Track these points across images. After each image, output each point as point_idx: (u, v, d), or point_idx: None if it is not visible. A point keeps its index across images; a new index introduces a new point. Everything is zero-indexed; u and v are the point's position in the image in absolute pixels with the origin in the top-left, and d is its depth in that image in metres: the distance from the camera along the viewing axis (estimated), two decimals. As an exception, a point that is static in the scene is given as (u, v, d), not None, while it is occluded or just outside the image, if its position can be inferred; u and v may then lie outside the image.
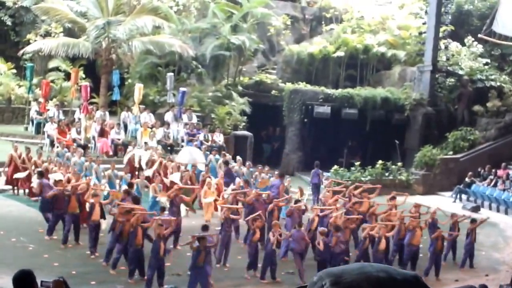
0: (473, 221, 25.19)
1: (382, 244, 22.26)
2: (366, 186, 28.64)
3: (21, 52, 39.48)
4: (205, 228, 20.28)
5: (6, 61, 42.47)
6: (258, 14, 44.12)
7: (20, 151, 29.54)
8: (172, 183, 27.62)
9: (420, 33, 45.62)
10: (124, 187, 25.90)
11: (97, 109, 37.56)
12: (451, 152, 39.84)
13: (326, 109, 40.46)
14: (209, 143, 35.82)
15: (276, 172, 30.71)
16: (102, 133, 35.08)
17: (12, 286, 7.46)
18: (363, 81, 45.50)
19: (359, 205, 26.02)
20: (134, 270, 19.70)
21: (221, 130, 37.85)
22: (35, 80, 38.85)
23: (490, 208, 34.75)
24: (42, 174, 25.47)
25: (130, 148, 33.17)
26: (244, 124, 40.03)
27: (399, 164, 38.30)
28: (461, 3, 47.79)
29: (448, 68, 43.86)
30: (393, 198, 26.99)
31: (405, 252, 23.51)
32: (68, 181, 25.14)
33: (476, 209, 33.98)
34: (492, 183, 36.25)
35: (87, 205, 23.33)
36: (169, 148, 35.18)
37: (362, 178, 35.66)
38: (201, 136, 36.42)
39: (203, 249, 18.95)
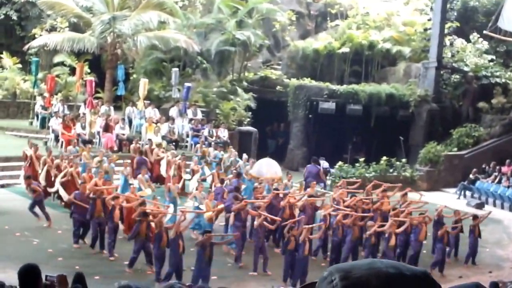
0: (475, 217, 25.19)
1: (393, 241, 22.27)
2: (385, 185, 28.26)
3: (26, 46, 39.50)
4: (205, 232, 20.13)
5: (11, 56, 42.49)
6: (263, 9, 44.15)
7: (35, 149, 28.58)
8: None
9: (425, 30, 45.60)
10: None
11: (102, 104, 37.55)
12: (455, 149, 39.81)
13: (330, 105, 40.50)
14: (214, 139, 35.86)
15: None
16: (107, 128, 35.06)
17: (18, 280, 7.49)
18: (368, 77, 45.50)
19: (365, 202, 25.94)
20: (171, 275, 19.33)
21: (226, 125, 37.87)
22: (40, 75, 38.90)
23: (495, 205, 34.72)
24: None
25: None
26: (248, 119, 40.06)
27: (404, 160, 38.29)
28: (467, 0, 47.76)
29: (453, 64, 43.84)
30: (405, 194, 26.93)
31: (413, 248, 23.57)
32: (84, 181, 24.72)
33: (480, 206, 33.96)
34: (497, 179, 36.23)
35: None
36: (173, 143, 35.18)
37: (367, 174, 35.67)
38: (205, 132, 36.46)
39: (208, 245, 19.00)
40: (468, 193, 36.56)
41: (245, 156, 32.85)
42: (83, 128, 34.35)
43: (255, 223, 22.15)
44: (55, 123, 34.51)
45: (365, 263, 1.94)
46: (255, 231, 22.09)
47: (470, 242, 24.55)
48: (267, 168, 29.28)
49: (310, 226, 21.90)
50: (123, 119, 36.13)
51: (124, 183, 26.76)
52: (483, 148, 39.84)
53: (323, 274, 1.94)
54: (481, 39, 44.59)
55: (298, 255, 20.62)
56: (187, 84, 38.11)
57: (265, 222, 21.92)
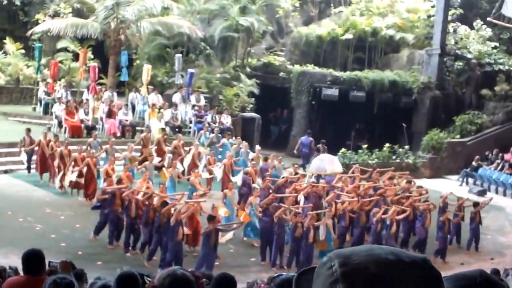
0: (476, 204, 25.26)
1: (394, 228, 22.33)
2: (391, 173, 28.19)
3: (29, 32, 39.43)
4: (211, 218, 20.02)
5: (14, 41, 42.46)
6: (267, -5, 44.12)
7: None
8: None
9: (429, 16, 45.42)
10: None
11: (105, 90, 37.56)
12: (458, 136, 39.80)
13: (334, 92, 40.41)
14: (217, 125, 35.80)
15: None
16: (110, 114, 35.09)
17: (22, 265, 7.53)
18: (371, 64, 45.38)
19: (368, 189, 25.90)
20: (170, 262, 19.05)
21: (229, 111, 37.82)
22: (43, 61, 38.87)
23: (497, 192, 34.72)
24: None
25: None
26: (252, 106, 40.03)
27: (406, 147, 38.21)
28: (471, -14, 47.61)
29: (457, 51, 43.70)
30: (409, 182, 26.94)
31: (417, 236, 23.67)
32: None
33: (482, 193, 33.95)
34: (499, 167, 36.24)
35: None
36: (177, 129, 35.17)
37: (370, 161, 35.65)
38: (208, 118, 36.41)
39: (214, 231, 19.03)
40: (470, 180, 36.58)
41: (258, 147, 32.25)
42: (86, 114, 34.38)
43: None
44: (58, 109, 34.52)
45: (364, 249, 1.96)
46: (276, 224, 21.27)
47: (472, 229, 24.63)
48: (329, 164, 28.80)
49: (315, 212, 21.80)
50: (126, 105, 36.13)
51: (171, 184, 26.10)
52: (486, 135, 39.82)
53: (322, 260, 1.96)
54: (484, 26, 44.44)
55: (303, 242, 20.61)
56: (190, 70, 38.08)
57: (284, 215, 21.43)
